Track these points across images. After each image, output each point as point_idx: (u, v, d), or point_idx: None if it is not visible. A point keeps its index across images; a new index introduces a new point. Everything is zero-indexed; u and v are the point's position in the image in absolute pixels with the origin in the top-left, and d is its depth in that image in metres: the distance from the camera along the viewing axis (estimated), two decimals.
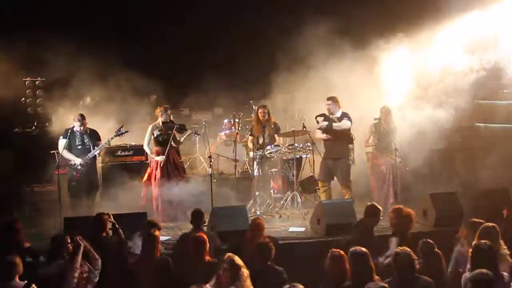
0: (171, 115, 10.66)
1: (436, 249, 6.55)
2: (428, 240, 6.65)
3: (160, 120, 9.90)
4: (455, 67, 10.51)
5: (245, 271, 5.68)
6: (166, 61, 13.10)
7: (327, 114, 9.85)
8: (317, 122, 9.81)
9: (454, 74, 10.50)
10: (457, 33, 10.74)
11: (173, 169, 9.81)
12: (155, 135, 9.85)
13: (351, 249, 5.86)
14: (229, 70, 13.27)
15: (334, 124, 9.73)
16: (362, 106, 10.46)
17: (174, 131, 9.80)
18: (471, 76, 10.40)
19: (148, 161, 10.39)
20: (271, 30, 12.91)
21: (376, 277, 5.73)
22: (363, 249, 5.84)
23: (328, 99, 9.92)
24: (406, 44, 10.81)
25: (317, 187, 10.19)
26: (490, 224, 6.51)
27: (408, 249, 5.89)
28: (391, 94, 10.61)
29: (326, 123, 9.72)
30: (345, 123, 9.75)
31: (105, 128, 10.05)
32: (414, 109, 10.31)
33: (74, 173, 9.35)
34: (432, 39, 10.88)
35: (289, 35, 12.17)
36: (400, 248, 5.98)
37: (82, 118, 9.51)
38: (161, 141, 9.82)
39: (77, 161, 9.34)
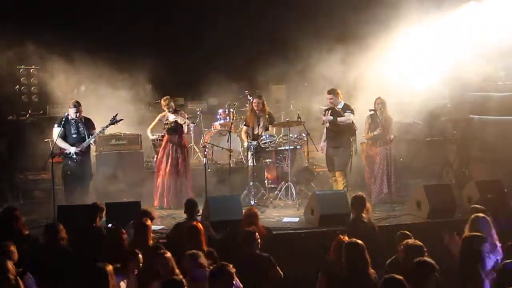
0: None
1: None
2: (406, 232, 6.58)
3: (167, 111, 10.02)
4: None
5: None
6: (161, 51, 13.02)
7: (331, 107, 10.01)
8: (323, 116, 10.08)
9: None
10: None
11: (183, 160, 10.01)
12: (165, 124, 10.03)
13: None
14: (224, 59, 13.22)
15: (338, 119, 9.88)
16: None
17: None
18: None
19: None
20: (268, 21, 12.87)
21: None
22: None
23: (329, 92, 10.05)
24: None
25: (311, 178, 10.27)
26: (481, 214, 6.57)
27: (420, 242, 5.81)
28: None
29: (330, 118, 9.88)
30: (348, 117, 9.91)
31: (100, 116, 9.98)
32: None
33: (70, 162, 9.31)
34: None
35: (286, 25, 12.16)
36: (411, 240, 5.93)
37: (77, 105, 9.43)
38: (169, 130, 10.01)
39: (71, 149, 9.29)
